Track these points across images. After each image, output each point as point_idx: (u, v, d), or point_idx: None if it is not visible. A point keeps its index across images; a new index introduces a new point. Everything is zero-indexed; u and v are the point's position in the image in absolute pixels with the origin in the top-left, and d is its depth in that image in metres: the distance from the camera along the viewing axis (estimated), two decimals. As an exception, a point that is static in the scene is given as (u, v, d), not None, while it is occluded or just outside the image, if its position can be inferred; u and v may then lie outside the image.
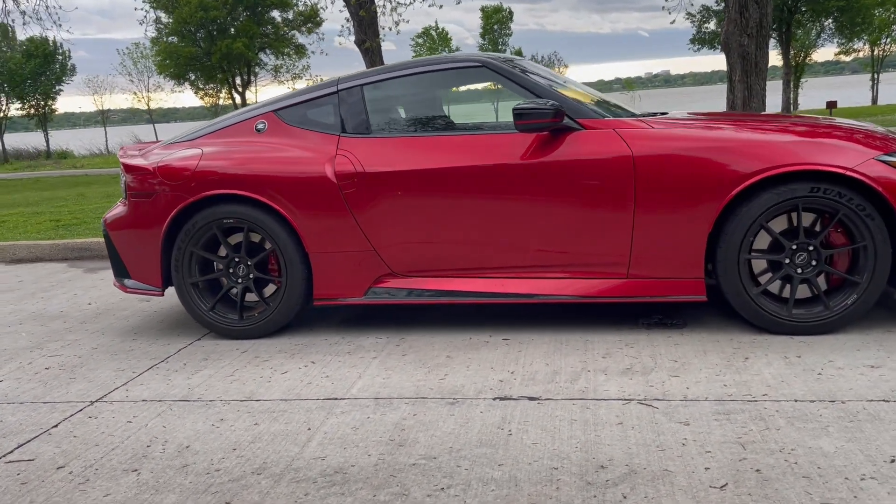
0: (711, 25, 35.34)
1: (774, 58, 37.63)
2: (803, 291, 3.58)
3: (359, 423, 2.85)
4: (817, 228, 3.51)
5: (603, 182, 3.57)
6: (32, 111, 44.14)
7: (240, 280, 4.01)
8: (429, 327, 4.00)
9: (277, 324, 3.97)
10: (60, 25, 25.40)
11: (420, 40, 44.36)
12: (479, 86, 4.71)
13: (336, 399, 3.10)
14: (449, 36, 44.06)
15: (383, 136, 3.88)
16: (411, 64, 4.01)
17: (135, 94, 46.66)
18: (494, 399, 3.00)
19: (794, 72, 40.54)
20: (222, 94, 39.04)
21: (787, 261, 3.53)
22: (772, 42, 35.71)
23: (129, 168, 4.11)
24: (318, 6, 33.45)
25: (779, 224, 3.55)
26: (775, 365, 3.18)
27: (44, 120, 44.56)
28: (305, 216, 3.84)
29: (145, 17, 20.94)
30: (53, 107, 44.97)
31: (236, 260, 4.00)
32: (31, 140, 44.77)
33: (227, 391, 3.27)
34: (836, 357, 3.22)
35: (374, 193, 3.78)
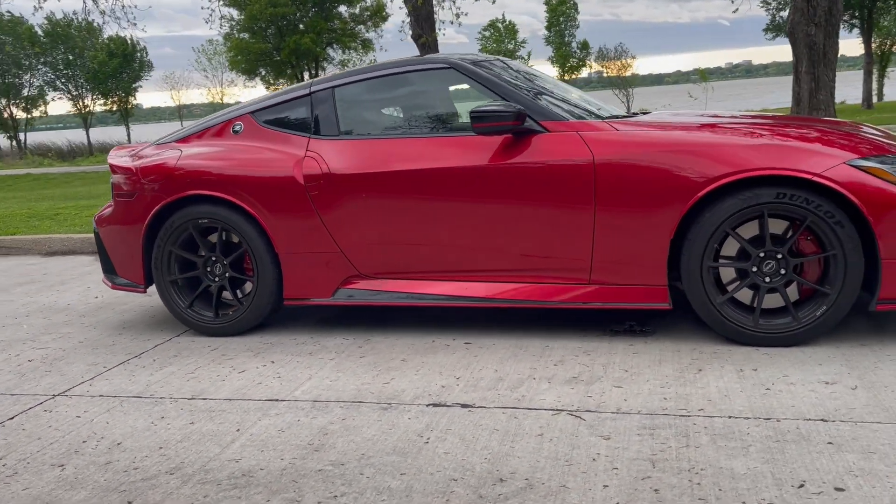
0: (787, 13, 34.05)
1: (856, 47, 36.02)
2: (776, 301, 3.43)
3: (287, 425, 2.88)
4: (790, 236, 3.36)
5: (563, 186, 3.50)
6: (114, 107, 46.05)
7: (216, 279, 4.10)
8: (397, 329, 4.01)
9: (250, 323, 4.05)
10: (135, 24, 26.40)
11: (486, 33, 44.30)
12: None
13: (277, 400, 3.14)
14: (515, 28, 43.83)
15: (351, 138, 3.90)
16: (382, 66, 4.01)
17: (208, 89, 48.07)
18: (428, 405, 2.99)
19: (880, 61, 38.74)
20: (292, 89, 39.69)
21: (755, 269, 3.39)
22: (854, 31, 34.21)
23: (114, 168, 4.25)
24: (382, 1, 33.81)
25: (750, 230, 3.41)
26: (727, 378, 3.06)
27: (125, 115, 46.41)
28: (275, 217, 3.89)
29: (210, 15, 21.41)
30: (134, 102, 46.83)
31: (213, 259, 4.09)
32: (115, 134, 46.73)
33: (181, 389, 3.35)
34: (794, 371, 3.09)
35: (339, 195, 3.80)
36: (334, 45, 37.38)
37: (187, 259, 4.12)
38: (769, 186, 3.27)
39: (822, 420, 2.63)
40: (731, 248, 3.46)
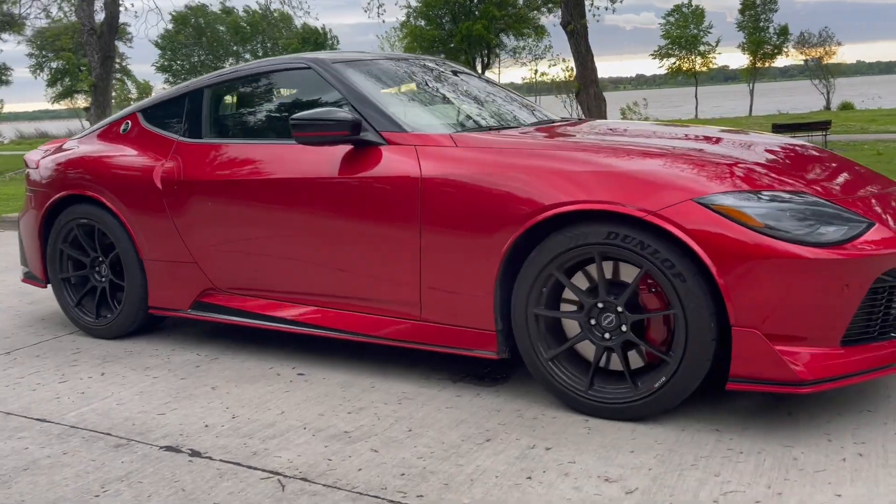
0: None
1: None
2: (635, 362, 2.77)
3: (9, 452, 2.70)
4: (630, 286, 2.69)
5: (392, 205, 3.04)
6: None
7: (103, 279, 4.02)
8: (250, 350, 3.70)
9: (124, 328, 3.93)
10: (308, 13, 27.67)
11: (672, 18, 41.89)
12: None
13: (42, 421, 2.98)
14: (702, 11, 40.96)
15: (209, 141, 3.65)
16: (248, 66, 3.72)
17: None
18: (161, 448, 2.69)
19: None
20: (467, 75, 39.91)
21: (592, 322, 2.75)
22: None
23: (26, 163, 4.29)
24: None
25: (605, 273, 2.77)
26: (504, 455, 2.50)
27: (315, 98, 49.07)
28: (138, 222, 3.73)
29: (369, 3, 21.79)
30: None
31: (100, 260, 4.01)
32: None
33: (-12, 396, 3.29)
34: (586, 457, 2.46)
35: (188, 202, 3.57)
36: (507, 32, 37.04)
37: (77, 258, 4.07)
38: (602, 223, 2.63)
39: (532, 535, 2.05)
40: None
